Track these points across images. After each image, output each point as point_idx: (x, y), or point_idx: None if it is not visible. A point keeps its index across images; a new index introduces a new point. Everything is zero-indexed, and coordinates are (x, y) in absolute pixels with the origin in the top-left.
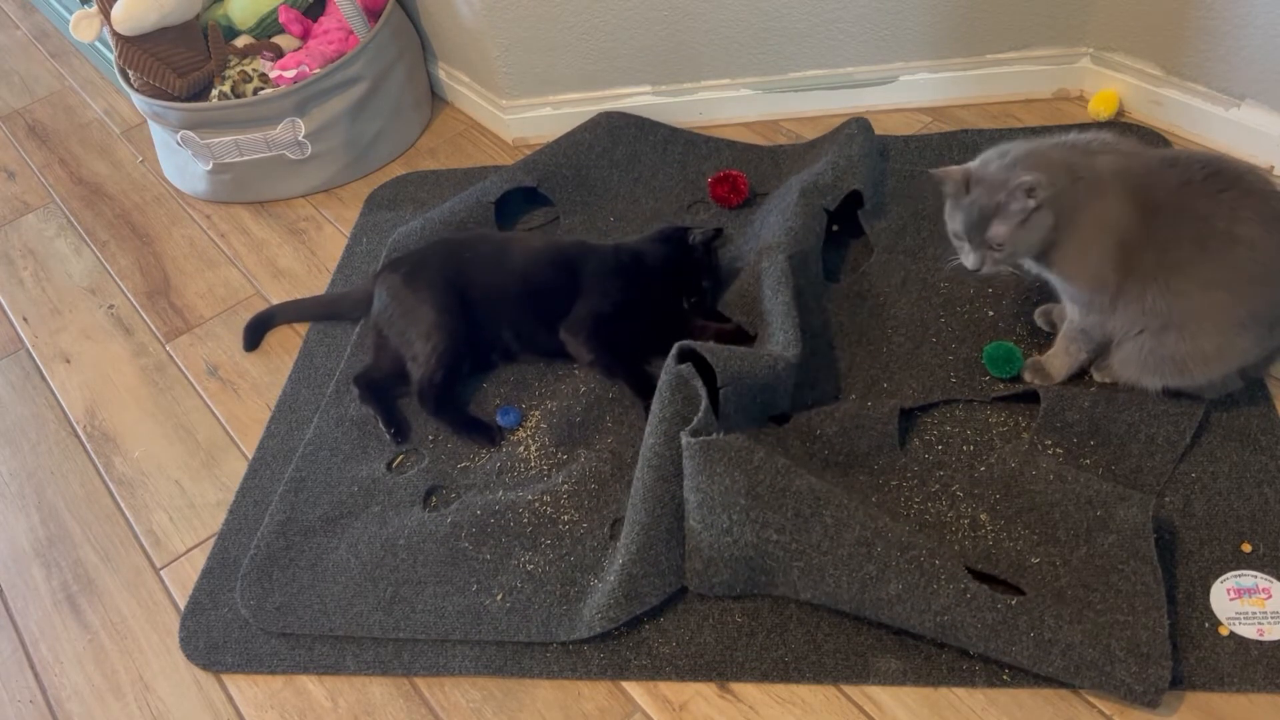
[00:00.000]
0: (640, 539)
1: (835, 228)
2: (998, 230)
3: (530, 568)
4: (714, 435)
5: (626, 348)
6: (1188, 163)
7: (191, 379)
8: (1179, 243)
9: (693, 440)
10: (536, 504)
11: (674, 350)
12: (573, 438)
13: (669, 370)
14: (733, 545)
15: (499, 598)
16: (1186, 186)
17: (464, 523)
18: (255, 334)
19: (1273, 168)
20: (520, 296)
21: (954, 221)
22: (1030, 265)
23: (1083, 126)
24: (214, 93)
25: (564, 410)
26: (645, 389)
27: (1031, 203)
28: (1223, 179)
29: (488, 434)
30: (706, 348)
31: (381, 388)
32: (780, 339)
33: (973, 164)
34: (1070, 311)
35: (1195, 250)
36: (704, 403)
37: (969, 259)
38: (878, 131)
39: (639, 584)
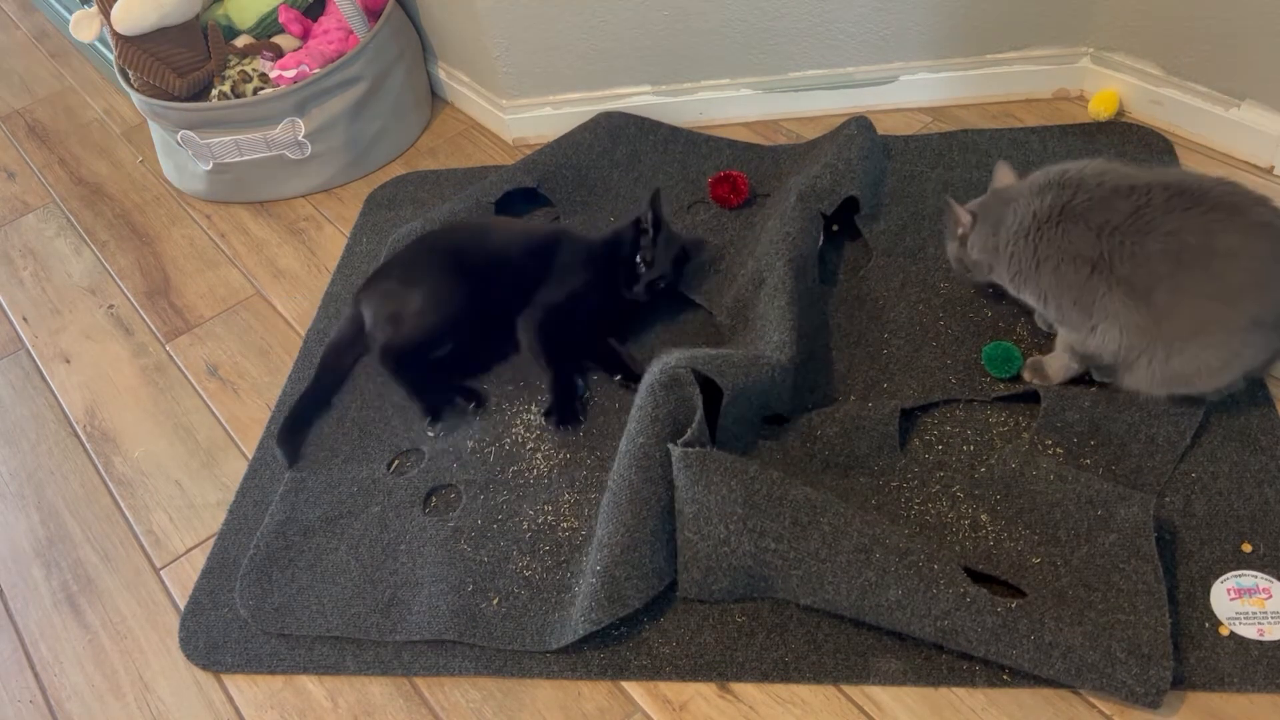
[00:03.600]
0: (625, 540)
1: (835, 228)
2: (949, 246)
3: (528, 574)
4: (708, 447)
5: (567, 344)
6: (1146, 188)
7: (191, 379)
8: (1146, 261)
9: (689, 451)
10: (537, 510)
11: (671, 360)
12: (576, 442)
13: (665, 370)
14: (730, 555)
15: (495, 602)
16: (1144, 209)
17: (465, 528)
18: (293, 444)
19: (1273, 168)
20: (510, 282)
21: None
22: (1008, 289)
23: (1081, 126)
24: (214, 93)
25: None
26: (565, 393)
27: (959, 231)
28: (1187, 198)
29: (447, 399)
30: (705, 362)
31: (429, 369)
32: (775, 340)
33: (1011, 180)
34: (1058, 327)
35: (1170, 266)
36: (699, 412)
37: (971, 272)
38: (878, 131)
39: (622, 586)
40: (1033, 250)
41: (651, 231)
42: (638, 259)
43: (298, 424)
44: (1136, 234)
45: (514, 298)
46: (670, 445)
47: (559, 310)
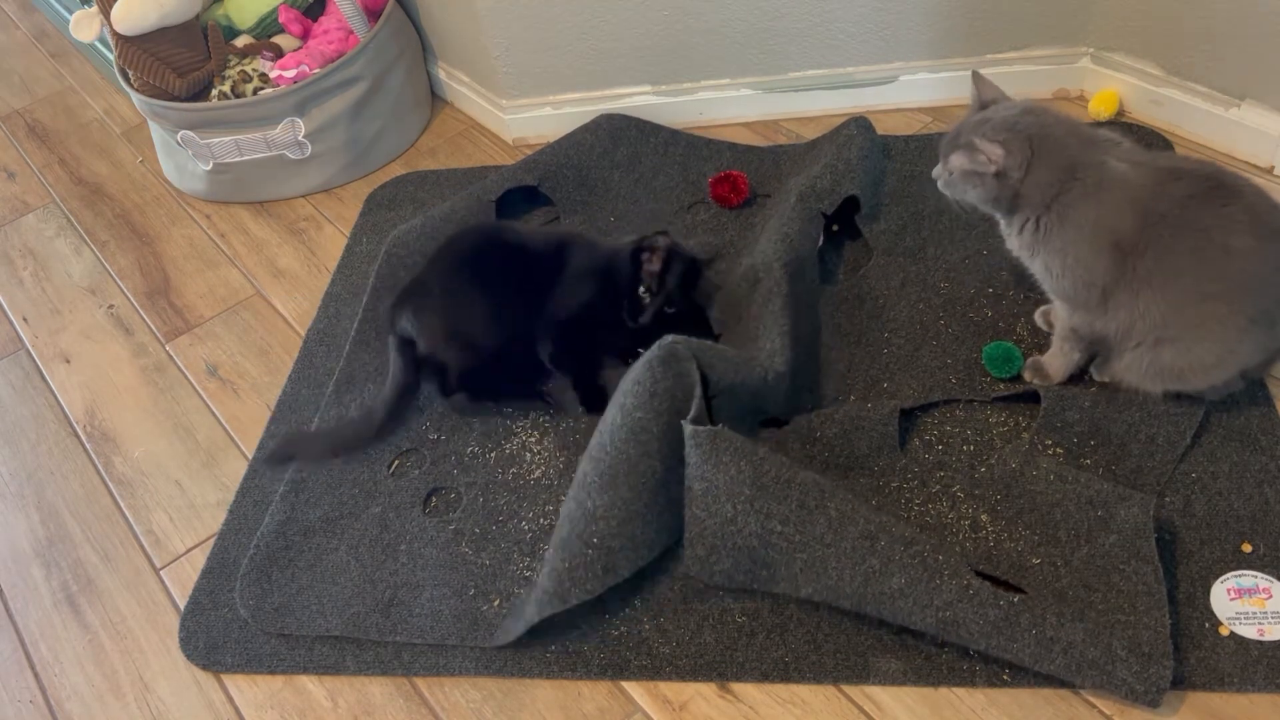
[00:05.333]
0: (621, 513)
1: (835, 228)
2: (955, 159)
3: (529, 574)
4: (719, 425)
5: (586, 354)
6: (1193, 175)
7: (191, 379)
8: (1177, 253)
9: (700, 429)
10: (538, 512)
11: (666, 338)
12: (576, 442)
13: (661, 345)
14: (736, 534)
15: (495, 604)
16: (1191, 199)
17: (465, 530)
18: (287, 458)
19: (1273, 168)
20: (538, 280)
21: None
22: (1019, 255)
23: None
24: (214, 93)
25: (569, 416)
26: (589, 388)
27: (992, 168)
28: (1225, 193)
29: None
30: (701, 350)
31: (499, 388)
32: (767, 348)
33: (999, 97)
34: (1060, 309)
35: (1193, 261)
36: (698, 389)
37: (936, 167)
38: (878, 131)
39: (616, 557)
40: (1091, 212)
41: (659, 267)
42: (640, 290)
43: (308, 454)
44: (1178, 227)
45: (542, 296)
46: (683, 423)
47: (571, 325)
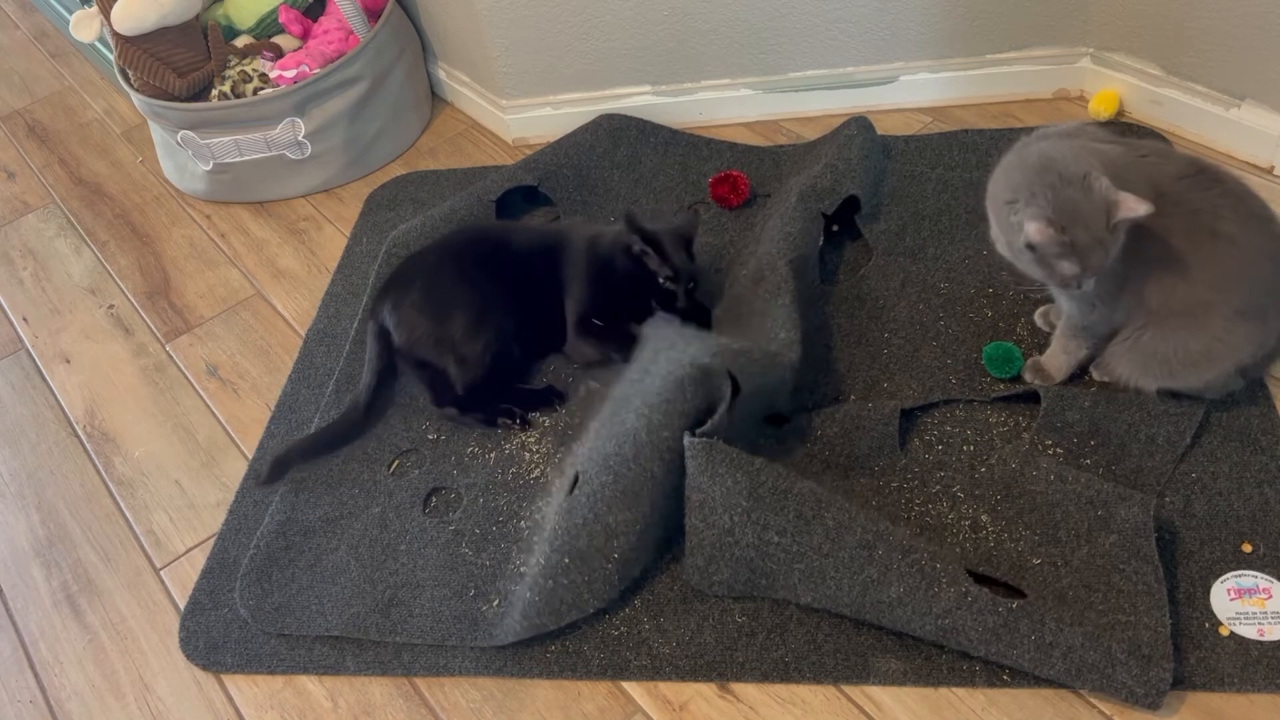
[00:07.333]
0: (640, 526)
1: (835, 228)
2: (1113, 249)
3: (527, 573)
4: (717, 438)
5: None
6: (1177, 159)
7: (191, 379)
8: (1174, 234)
9: (695, 440)
10: (536, 513)
11: (702, 355)
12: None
13: (695, 364)
14: (734, 546)
15: (495, 604)
16: (1182, 180)
17: (465, 531)
18: (282, 470)
19: (1273, 168)
20: (526, 289)
21: (1075, 265)
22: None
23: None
24: (214, 93)
25: (569, 415)
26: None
27: (1056, 247)
28: (1208, 177)
29: (544, 399)
30: (730, 357)
31: (483, 393)
32: (783, 339)
33: (1044, 210)
34: (1069, 309)
35: (1186, 244)
36: (723, 405)
37: (1090, 284)
38: (878, 131)
39: (631, 567)
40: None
41: (653, 251)
42: (661, 281)
43: (304, 456)
44: (1173, 206)
45: (536, 293)
46: (685, 433)
47: (587, 319)
